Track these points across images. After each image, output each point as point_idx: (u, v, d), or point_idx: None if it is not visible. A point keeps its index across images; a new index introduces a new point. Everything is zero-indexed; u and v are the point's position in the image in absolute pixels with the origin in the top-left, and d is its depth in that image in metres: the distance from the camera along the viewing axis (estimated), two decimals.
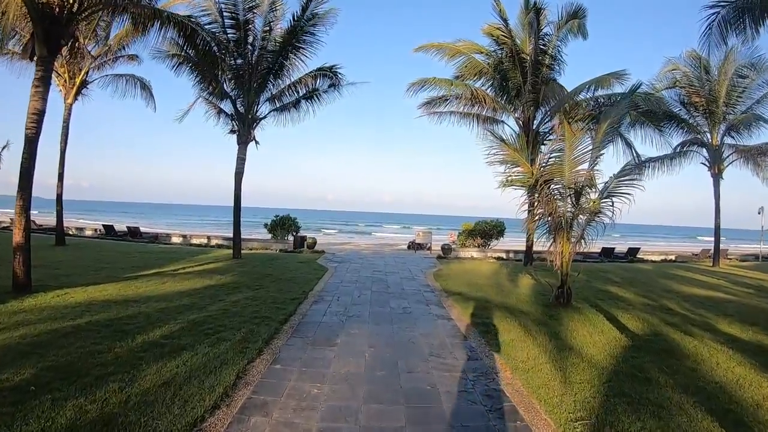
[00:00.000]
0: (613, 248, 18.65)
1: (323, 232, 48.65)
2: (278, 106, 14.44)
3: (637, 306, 7.67)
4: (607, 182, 7.61)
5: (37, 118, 7.13)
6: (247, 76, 13.12)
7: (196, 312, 5.96)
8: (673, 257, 19.88)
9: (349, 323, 5.92)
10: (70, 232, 19.70)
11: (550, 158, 7.89)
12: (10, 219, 20.70)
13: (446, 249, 18.76)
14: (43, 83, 7.21)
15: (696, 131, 16.74)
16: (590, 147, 7.36)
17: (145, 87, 16.88)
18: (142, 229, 20.76)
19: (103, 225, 20.15)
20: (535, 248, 13.58)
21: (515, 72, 13.84)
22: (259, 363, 4.23)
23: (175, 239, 19.89)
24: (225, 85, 13.39)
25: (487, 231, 19.95)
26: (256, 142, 13.83)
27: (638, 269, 14.04)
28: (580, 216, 7.72)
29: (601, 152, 7.79)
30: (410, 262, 14.59)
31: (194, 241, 19.33)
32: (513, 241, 22.16)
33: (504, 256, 18.64)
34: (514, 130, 14.89)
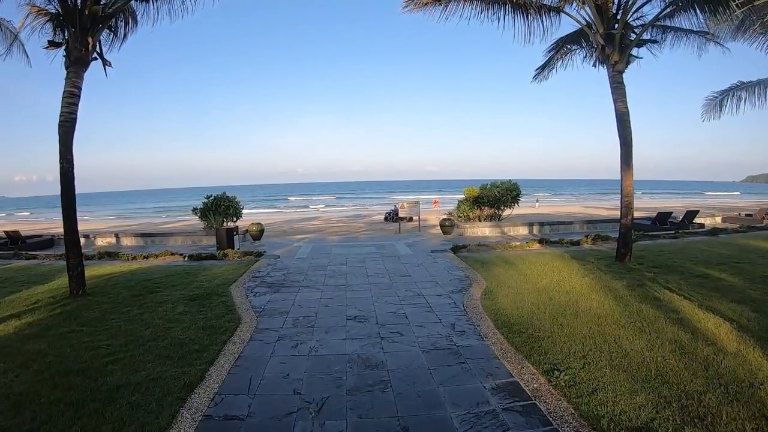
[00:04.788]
0: (671, 212, 13.76)
1: (285, 208, 43.13)
2: None
3: None
4: None
5: None
6: None
7: None
8: (718, 220, 15.19)
9: None
10: None
11: None
12: None
13: (447, 225, 13.33)
14: None
15: None
16: None
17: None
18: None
19: None
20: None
21: None
22: None
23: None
24: None
25: (498, 197, 14.58)
26: (105, 63, 7.09)
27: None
28: None
29: None
30: (411, 265, 8.31)
31: (99, 242, 13.00)
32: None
33: (527, 231, 13.44)
34: (580, 23, 8.69)
